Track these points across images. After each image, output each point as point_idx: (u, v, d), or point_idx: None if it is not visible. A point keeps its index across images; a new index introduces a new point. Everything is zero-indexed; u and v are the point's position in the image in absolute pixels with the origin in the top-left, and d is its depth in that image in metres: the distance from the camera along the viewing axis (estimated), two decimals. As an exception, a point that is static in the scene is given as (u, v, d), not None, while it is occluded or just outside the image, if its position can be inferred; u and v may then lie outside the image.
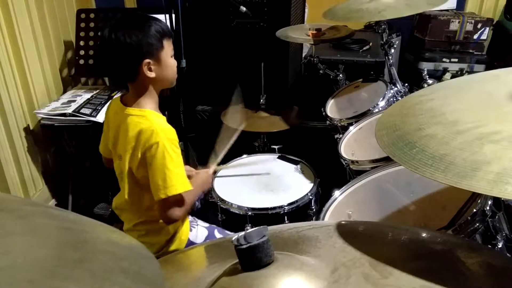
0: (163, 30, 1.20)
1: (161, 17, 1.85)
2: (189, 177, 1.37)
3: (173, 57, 1.25)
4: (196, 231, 1.40)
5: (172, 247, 1.33)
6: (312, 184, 1.55)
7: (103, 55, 1.21)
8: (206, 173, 1.44)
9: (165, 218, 1.23)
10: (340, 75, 2.09)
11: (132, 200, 1.30)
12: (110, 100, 1.31)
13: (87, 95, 2.26)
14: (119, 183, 1.33)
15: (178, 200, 1.20)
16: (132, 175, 1.25)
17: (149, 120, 1.19)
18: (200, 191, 1.41)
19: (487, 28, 2.57)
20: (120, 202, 1.36)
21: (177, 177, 1.17)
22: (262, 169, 1.67)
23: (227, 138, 1.55)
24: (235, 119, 1.73)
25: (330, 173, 1.61)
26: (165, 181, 1.16)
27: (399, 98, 1.72)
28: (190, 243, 1.37)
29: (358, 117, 1.69)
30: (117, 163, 1.29)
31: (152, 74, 1.19)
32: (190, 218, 1.44)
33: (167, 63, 1.22)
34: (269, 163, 1.73)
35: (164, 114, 1.34)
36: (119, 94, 2.26)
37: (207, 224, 1.45)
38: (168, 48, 1.21)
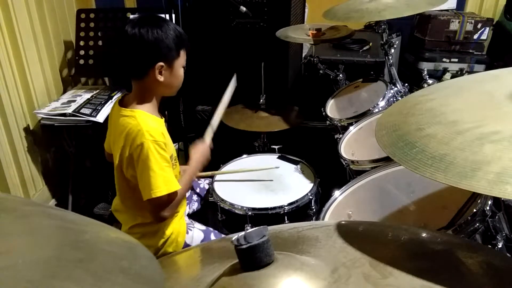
0: (182, 40, 1.22)
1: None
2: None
3: (183, 69, 1.26)
4: (192, 233, 1.40)
5: (169, 250, 1.33)
6: (312, 184, 1.55)
7: (119, 48, 1.22)
8: (203, 145, 1.44)
9: (154, 217, 1.24)
10: (340, 75, 2.09)
11: (125, 201, 1.31)
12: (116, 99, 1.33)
13: (87, 95, 2.26)
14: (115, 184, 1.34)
15: (164, 201, 1.20)
16: (123, 175, 1.26)
17: (137, 120, 1.19)
18: (200, 166, 1.41)
19: (487, 28, 2.57)
20: (116, 203, 1.37)
21: (161, 179, 1.17)
22: (265, 174, 1.65)
23: (222, 107, 1.55)
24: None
25: (330, 173, 1.61)
26: (149, 182, 1.16)
27: (399, 98, 1.72)
28: (186, 246, 1.37)
29: (358, 117, 1.69)
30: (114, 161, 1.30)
31: (161, 78, 1.21)
32: (187, 220, 1.44)
33: (177, 73, 1.24)
34: (270, 163, 1.72)
35: (164, 114, 1.35)
36: (119, 94, 2.27)
37: (203, 227, 1.45)
38: (182, 58, 1.24)
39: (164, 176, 1.18)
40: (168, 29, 1.19)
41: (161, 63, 1.19)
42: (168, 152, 1.23)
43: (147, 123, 1.19)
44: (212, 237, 1.43)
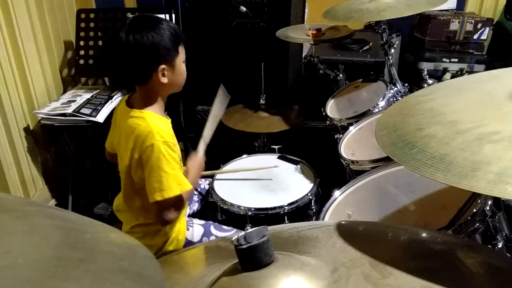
0: (178, 35, 1.19)
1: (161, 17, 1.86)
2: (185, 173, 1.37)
3: (184, 63, 1.24)
4: (192, 230, 1.40)
5: (170, 248, 1.33)
6: (312, 184, 1.55)
7: (115, 57, 1.19)
8: (197, 158, 1.42)
9: (161, 220, 1.23)
10: (340, 75, 2.09)
11: (129, 202, 1.30)
12: (121, 98, 1.32)
13: (87, 95, 2.26)
14: (121, 184, 1.34)
15: (175, 201, 1.19)
16: (130, 177, 1.25)
17: (146, 121, 1.18)
18: (196, 180, 1.41)
19: (487, 28, 2.57)
20: (119, 203, 1.37)
21: (174, 179, 1.16)
22: (264, 173, 1.66)
23: (212, 118, 1.53)
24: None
25: (330, 173, 1.61)
26: (161, 183, 1.15)
27: (399, 98, 1.72)
28: (187, 242, 1.37)
29: (358, 117, 1.69)
30: (120, 163, 1.30)
31: (165, 80, 1.19)
32: (186, 218, 1.44)
33: (180, 70, 1.22)
34: (269, 164, 1.72)
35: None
36: (119, 94, 2.27)
37: (202, 222, 1.45)
38: (181, 54, 1.22)
39: (176, 176, 1.17)
40: (162, 28, 1.15)
41: (163, 66, 1.17)
42: (176, 153, 1.23)
43: (156, 124, 1.18)
44: (212, 229, 1.43)
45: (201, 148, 1.45)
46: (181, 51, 1.22)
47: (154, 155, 1.15)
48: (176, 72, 1.21)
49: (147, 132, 1.16)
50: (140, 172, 1.21)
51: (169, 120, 1.30)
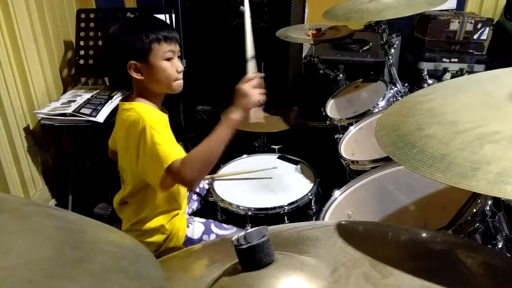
0: (154, 34, 1.21)
1: (161, 17, 1.86)
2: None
3: (170, 60, 1.24)
4: (192, 227, 1.41)
5: (170, 245, 1.34)
6: (312, 184, 1.55)
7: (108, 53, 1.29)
8: (245, 82, 1.30)
9: (183, 184, 1.22)
10: (340, 75, 2.09)
11: (132, 196, 1.31)
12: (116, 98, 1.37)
13: (87, 95, 2.26)
14: (120, 180, 1.35)
15: (178, 165, 1.14)
16: (131, 170, 1.27)
17: (136, 110, 1.22)
18: (245, 106, 1.26)
19: (487, 28, 2.57)
20: (124, 196, 1.36)
21: (169, 147, 1.17)
22: (264, 173, 1.66)
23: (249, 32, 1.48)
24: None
25: (330, 173, 1.61)
26: (158, 156, 1.15)
27: (399, 98, 1.72)
28: (187, 240, 1.37)
29: (358, 117, 1.69)
30: (119, 160, 1.33)
31: (139, 76, 1.23)
32: (186, 216, 1.45)
33: (157, 66, 1.23)
34: (269, 163, 1.72)
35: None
36: (119, 94, 2.27)
37: (203, 220, 1.46)
38: (159, 51, 1.22)
39: (171, 145, 1.18)
40: (137, 28, 1.21)
41: (132, 62, 1.21)
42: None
43: (146, 111, 1.22)
44: (213, 227, 1.43)
45: (251, 67, 1.38)
46: (158, 48, 1.22)
47: (147, 135, 1.17)
48: (153, 68, 1.23)
49: (138, 118, 1.19)
50: (142, 159, 1.22)
51: (166, 115, 1.32)
